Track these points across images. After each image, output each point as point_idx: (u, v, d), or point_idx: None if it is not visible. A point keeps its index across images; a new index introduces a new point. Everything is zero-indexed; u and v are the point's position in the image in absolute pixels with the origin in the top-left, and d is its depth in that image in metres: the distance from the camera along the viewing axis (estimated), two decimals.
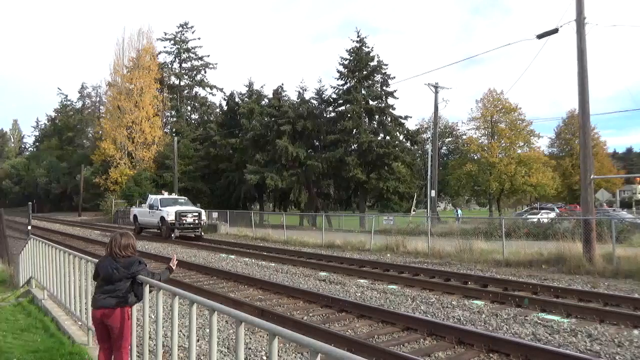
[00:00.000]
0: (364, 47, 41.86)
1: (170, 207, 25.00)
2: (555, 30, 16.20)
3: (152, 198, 27.02)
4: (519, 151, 44.33)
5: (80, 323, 6.33)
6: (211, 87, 66.00)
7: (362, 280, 12.01)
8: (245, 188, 44.19)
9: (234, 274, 12.64)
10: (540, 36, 16.71)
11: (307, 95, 45.84)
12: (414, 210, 43.54)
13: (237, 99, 50.89)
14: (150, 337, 4.77)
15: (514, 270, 13.55)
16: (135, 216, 28.77)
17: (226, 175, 47.01)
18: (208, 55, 66.80)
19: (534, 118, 79.77)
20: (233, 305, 7.46)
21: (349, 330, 7.29)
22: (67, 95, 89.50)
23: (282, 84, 47.98)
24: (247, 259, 16.50)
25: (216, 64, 67.99)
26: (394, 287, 11.12)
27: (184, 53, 65.39)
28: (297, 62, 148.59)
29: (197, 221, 24.93)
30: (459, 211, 45.61)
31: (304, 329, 6.79)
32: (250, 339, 6.67)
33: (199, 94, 66.49)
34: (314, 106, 44.59)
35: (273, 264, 15.15)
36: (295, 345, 6.21)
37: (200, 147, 52.14)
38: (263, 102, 47.93)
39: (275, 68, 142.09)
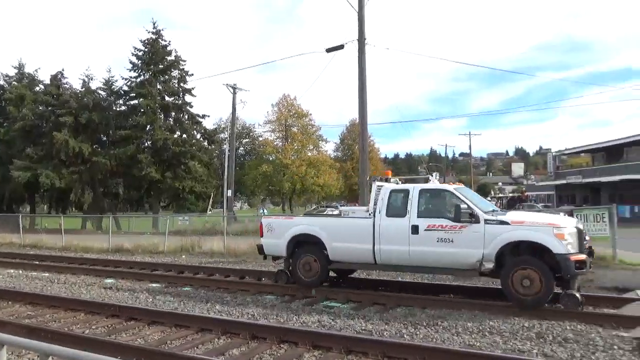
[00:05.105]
0: (160, 40, 39.85)
1: (532, 215, 9.45)
2: (341, 47, 18.06)
3: (437, 188, 9.49)
4: (309, 154, 47.99)
5: None
6: None
7: (154, 285, 11.38)
8: (11, 187, 37.52)
9: None
10: (329, 50, 18.40)
11: (94, 85, 41.41)
12: (210, 210, 43.26)
13: (1, 82, 42.95)
14: None
15: None
16: (315, 241, 9.84)
17: None
18: None
19: (322, 124, 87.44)
20: None
21: (139, 339, 6.81)
22: None
23: (63, 70, 42.24)
24: (12, 270, 14.04)
25: None
26: (189, 289, 10.84)
27: None
28: (81, 47, 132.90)
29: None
30: (265, 210, 47.18)
31: (85, 343, 6.09)
32: None
33: None
34: (102, 97, 40.57)
35: (47, 274, 13.22)
36: None
37: None
38: (37, 89, 41.54)
39: (53, 50, 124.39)
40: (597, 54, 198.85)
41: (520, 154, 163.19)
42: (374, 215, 9.36)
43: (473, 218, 8.31)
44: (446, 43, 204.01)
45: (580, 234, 8.02)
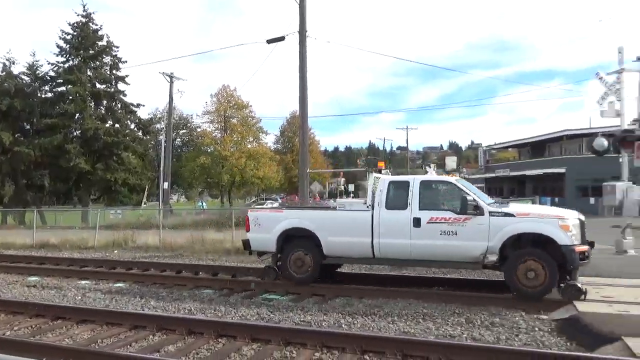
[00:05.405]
0: (91, 24, 37.83)
1: (534, 207, 10.33)
2: (282, 38, 17.92)
3: (439, 180, 9.56)
4: (249, 146, 47.44)
5: None
6: None
7: (83, 282, 10.86)
8: None
9: None
10: (269, 41, 18.21)
11: (16, 70, 38.67)
12: (145, 203, 41.76)
13: None
14: None
15: (242, 257, 14.39)
16: (308, 235, 9.39)
17: None
18: None
19: (262, 116, 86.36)
20: None
21: (67, 339, 6.47)
22: None
23: None
24: None
25: None
26: (122, 285, 10.44)
27: None
28: (0, 28, 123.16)
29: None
30: (204, 203, 46.18)
31: (6, 345, 5.71)
32: None
33: None
34: (25, 83, 37.99)
35: None
36: None
37: None
38: None
39: None
40: (523, 54, 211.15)
41: (454, 148, 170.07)
42: (373, 208, 9.02)
43: (477, 210, 8.16)
44: (386, 39, 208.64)
45: (582, 225, 8.08)
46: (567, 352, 5.45)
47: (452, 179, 9.11)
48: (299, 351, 5.76)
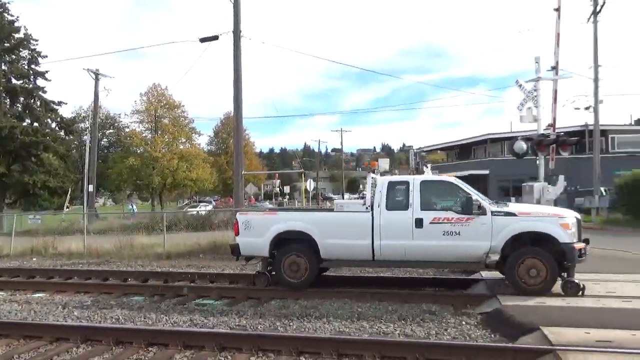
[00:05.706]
0: (6, 14, 35.06)
1: (534, 206, 10.30)
2: (216, 37, 17.57)
3: (439, 180, 9.42)
4: (181, 147, 46.02)
5: None
6: None
7: None
8: None
9: None
10: (202, 40, 17.79)
11: None
12: (67, 207, 39.30)
13: None
14: None
15: (174, 262, 13.97)
16: (303, 238, 9.04)
17: None
18: None
19: (195, 116, 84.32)
20: None
21: None
22: None
23: None
24: None
25: None
26: (42, 295, 9.76)
27: None
28: None
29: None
30: (134, 207, 44.20)
31: None
32: None
33: None
34: None
35: None
36: None
37: None
38: None
39: None
40: (450, 61, 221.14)
41: (386, 150, 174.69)
42: (372, 209, 8.79)
43: (480, 210, 8.16)
44: (322, 42, 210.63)
45: (579, 223, 8.27)
46: (491, 344, 5.76)
47: (452, 179, 9.08)
48: (234, 356, 5.67)
